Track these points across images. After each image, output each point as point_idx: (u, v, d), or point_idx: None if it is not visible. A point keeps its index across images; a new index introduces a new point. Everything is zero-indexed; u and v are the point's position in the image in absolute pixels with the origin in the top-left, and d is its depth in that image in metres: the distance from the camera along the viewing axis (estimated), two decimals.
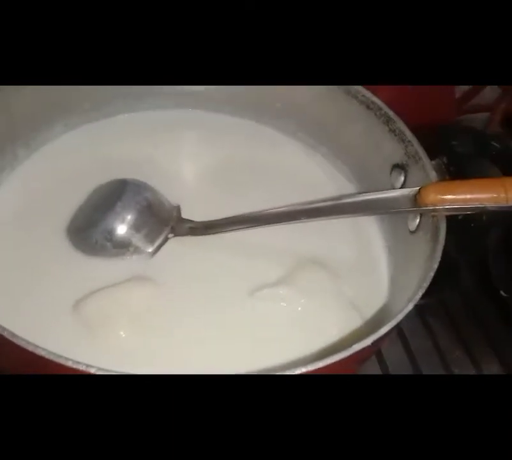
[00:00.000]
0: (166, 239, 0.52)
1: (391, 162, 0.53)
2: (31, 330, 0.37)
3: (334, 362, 0.36)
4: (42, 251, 0.51)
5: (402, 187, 0.52)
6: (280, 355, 0.46)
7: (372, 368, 0.57)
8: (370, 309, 0.50)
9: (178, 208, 0.54)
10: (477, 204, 0.43)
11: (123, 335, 0.46)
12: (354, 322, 0.49)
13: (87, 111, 0.60)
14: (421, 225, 0.49)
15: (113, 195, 0.52)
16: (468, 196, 0.43)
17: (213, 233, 0.51)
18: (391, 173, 0.54)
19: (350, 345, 0.38)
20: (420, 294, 0.42)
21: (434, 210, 0.45)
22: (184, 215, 0.54)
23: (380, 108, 0.53)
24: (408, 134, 0.51)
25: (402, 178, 0.52)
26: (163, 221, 0.53)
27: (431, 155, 0.50)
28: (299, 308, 0.50)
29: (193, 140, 0.65)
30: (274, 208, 0.51)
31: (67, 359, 0.34)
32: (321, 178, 0.61)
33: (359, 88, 0.54)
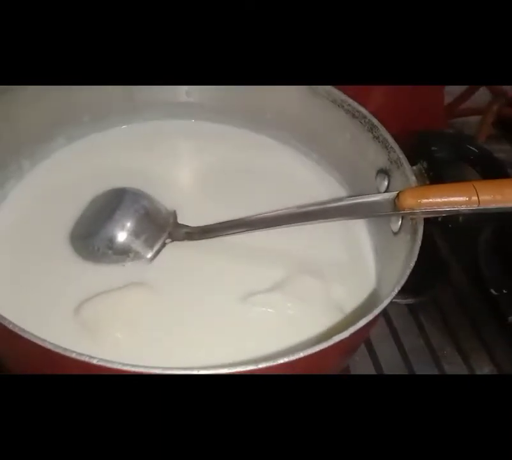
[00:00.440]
0: (164, 245, 0.53)
1: (376, 167, 0.55)
2: (34, 332, 0.37)
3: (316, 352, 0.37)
4: (46, 257, 0.52)
5: (386, 191, 0.53)
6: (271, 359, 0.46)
7: (365, 365, 0.59)
8: (357, 309, 0.51)
9: (174, 214, 0.55)
10: (451, 207, 0.44)
11: (120, 337, 0.47)
12: (343, 325, 0.49)
13: (86, 123, 0.62)
14: (403, 226, 0.50)
15: (112, 203, 0.53)
16: (443, 199, 0.44)
17: (209, 237, 0.52)
18: (376, 178, 0.55)
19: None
20: (396, 291, 0.42)
21: (412, 213, 0.46)
22: (181, 221, 0.54)
23: (365, 117, 0.55)
24: (391, 141, 0.52)
25: (386, 183, 0.53)
26: (161, 227, 0.53)
27: (413, 160, 0.51)
28: (290, 313, 0.50)
29: (188, 149, 0.66)
30: (267, 212, 0.51)
31: (71, 351, 0.36)
32: (315, 183, 0.62)
33: (345, 97, 0.56)
